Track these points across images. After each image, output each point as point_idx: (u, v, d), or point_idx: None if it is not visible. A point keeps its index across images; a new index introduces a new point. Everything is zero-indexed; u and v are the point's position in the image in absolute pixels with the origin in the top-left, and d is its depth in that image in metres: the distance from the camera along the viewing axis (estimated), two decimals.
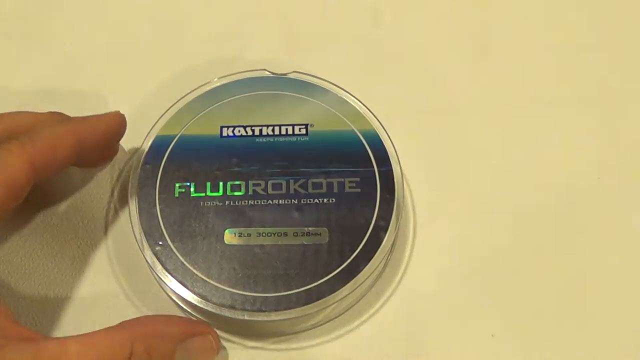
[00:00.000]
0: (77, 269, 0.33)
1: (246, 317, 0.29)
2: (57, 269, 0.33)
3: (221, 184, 0.32)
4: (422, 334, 0.32)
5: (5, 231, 0.33)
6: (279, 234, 0.31)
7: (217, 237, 0.30)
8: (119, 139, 0.33)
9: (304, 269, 0.30)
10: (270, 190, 0.31)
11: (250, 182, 0.32)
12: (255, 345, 0.31)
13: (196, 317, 0.31)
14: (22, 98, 0.37)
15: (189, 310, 0.31)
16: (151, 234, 0.30)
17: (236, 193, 0.31)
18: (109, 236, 0.33)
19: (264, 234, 0.31)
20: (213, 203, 0.31)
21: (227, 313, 0.29)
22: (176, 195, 0.31)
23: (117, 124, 0.32)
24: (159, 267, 0.30)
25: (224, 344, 0.31)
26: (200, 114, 0.33)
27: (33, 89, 0.37)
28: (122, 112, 0.33)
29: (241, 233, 0.31)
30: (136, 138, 0.33)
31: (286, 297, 0.29)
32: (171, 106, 0.33)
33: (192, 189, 0.31)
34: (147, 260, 0.30)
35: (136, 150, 0.33)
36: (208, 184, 0.32)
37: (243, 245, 0.30)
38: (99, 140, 0.31)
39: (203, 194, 0.31)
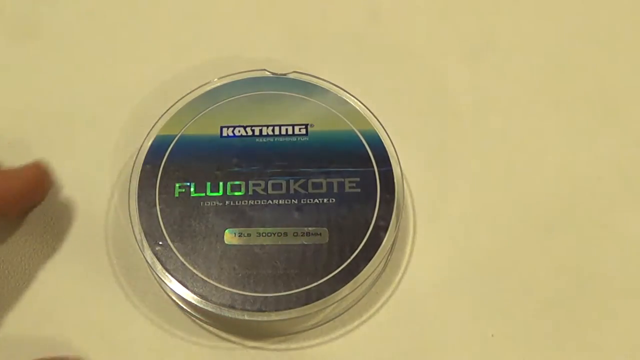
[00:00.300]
0: (77, 268, 0.33)
1: (246, 317, 0.29)
2: (56, 269, 0.33)
3: (221, 184, 0.32)
4: (422, 334, 0.32)
5: (5, 231, 0.33)
6: (279, 234, 0.31)
7: (217, 237, 0.30)
8: (43, 191, 0.33)
9: (304, 269, 0.30)
10: (270, 190, 0.31)
11: (250, 182, 0.32)
12: (255, 345, 0.31)
13: (196, 317, 0.32)
14: (22, 98, 0.37)
15: (189, 310, 0.31)
16: (151, 234, 0.30)
17: (236, 193, 0.31)
18: (109, 236, 0.33)
19: (264, 234, 0.31)
20: (213, 203, 0.31)
21: (227, 313, 0.29)
22: (176, 195, 0.31)
23: (34, 180, 0.32)
24: (159, 267, 0.30)
25: (224, 344, 0.31)
26: (200, 114, 0.33)
27: (32, 91, 0.37)
28: (122, 112, 0.33)
29: (241, 233, 0.31)
30: (136, 138, 0.33)
31: (286, 297, 0.29)
32: (171, 106, 0.33)
33: (192, 189, 0.31)
34: (147, 260, 0.30)
35: (136, 151, 0.32)
36: (208, 184, 0.32)
37: (243, 245, 0.30)
38: (16, 199, 0.31)
39: (203, 194, 0.31)
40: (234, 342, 0.31)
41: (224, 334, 0.31)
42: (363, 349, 0.31)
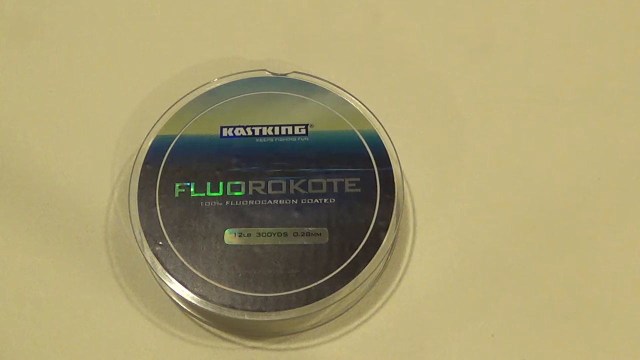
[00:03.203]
0: (77, 269, 0.33)
1: (246, 317, 0.29)
2: (56, 270, 0.33)
3: (221, 184, 0.32)
4: (422, 334, 0.32)
5: (5, 232, 0.34)
6: (279, 234, 0.31)
7: (217, 237, 0.30)
8: None
9: (304, 269, 0.30)
10: (270, 190, 0.31)
11: (250, 182, 0.32)
12: (255, 345, 0.31)
13: (196, 317, 0.32)
14: (21, 98, 0.37)
15: (189, 310, 0.31)
16: (151, 234, 0.30)
17: (236, 193, 0.31)
18: (109, 236, 0.33)
19: (264, 234, 0.31)
20: (213, 203, 0.31)
21: (227, 313, 0.29)
22: (176, 195, 0.31)
23: None
24: (159, 267, 0.30)
25: (224, 344, 0.31)
26: (200, 114, 0.33)
27: (32, 91, 0.37)
28: (122, 112, 0.32)
29: (241, 233, 0.31)
30: (136, 138, 0.33)
31: (286, 297, 0.29)
32: (171, 106, 0.33)
33: (192, 189, 0.31)
34: (147, 260, 0.30)
35: (136, 151, 0.32)
36: (208, 184, 0.32)
37: (243, 245, 0.30)
38: None
39: (203, 194, 0.31)
40: (234, 342, 0.31)
41: (224, 334, 0.31)
42: (363, 349, 0.31)
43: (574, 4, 0.40)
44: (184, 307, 0.31)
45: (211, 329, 0.32)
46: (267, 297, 0.29)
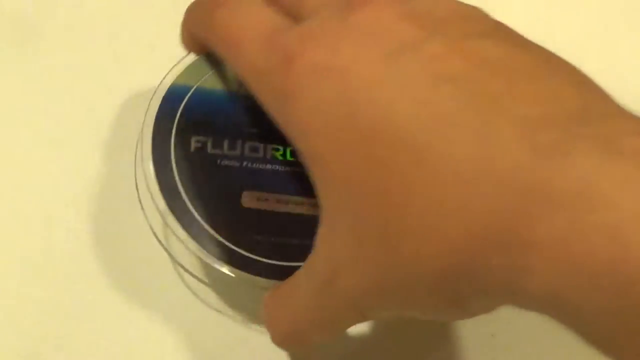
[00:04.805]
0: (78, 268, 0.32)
1: (262, 285, 0.27)
2: (57, 269, 0.32)
3: (239, 143, 0.29)
4: (421, 333, 0.31)
5: (5, 231, 0.32)
6: (297, 203, 0.29)
7: (234, 197, 0.28)
8: None
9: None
10: (288, 157, 0.29)
11: (270, 147, 0.29)
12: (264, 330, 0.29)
13: (201, 280, 0.30)
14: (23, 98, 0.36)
15: (192, 272, 0.30)
16: (166, 187, 0.28)
17: (254, 155, 0.29)
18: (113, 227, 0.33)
19: (281, 201, 0.29)
20: (230, 162, 0.29)
21: (241, 277, 0.27)
22: (192, 150, 0.29)
23: None
24: (171, 221, 0.27)
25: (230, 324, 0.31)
26: (221, 67, 0.30)
27: (31, 86, 0.36)
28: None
29: (258, 197, 0.29)
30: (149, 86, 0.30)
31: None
32: (186, 55, 0.30)
33: (209, 145, 0.29)
34: (161, 215, 0.28)
35: (150, 97, 0.29)
36: (225, 142, 0.29)
37: (260, 210, 0.28)
38: None
39: (220, 152, 0.29)
40: (240, 322, 0.31)
41: (229, 311, 0.31)
42: (363, 348, 0.31)
43: (573, 5, 0.41)
44: (189, 270, 0.29)
45: (214, 312, 0.31)
46: (281, 265, 0.28)
